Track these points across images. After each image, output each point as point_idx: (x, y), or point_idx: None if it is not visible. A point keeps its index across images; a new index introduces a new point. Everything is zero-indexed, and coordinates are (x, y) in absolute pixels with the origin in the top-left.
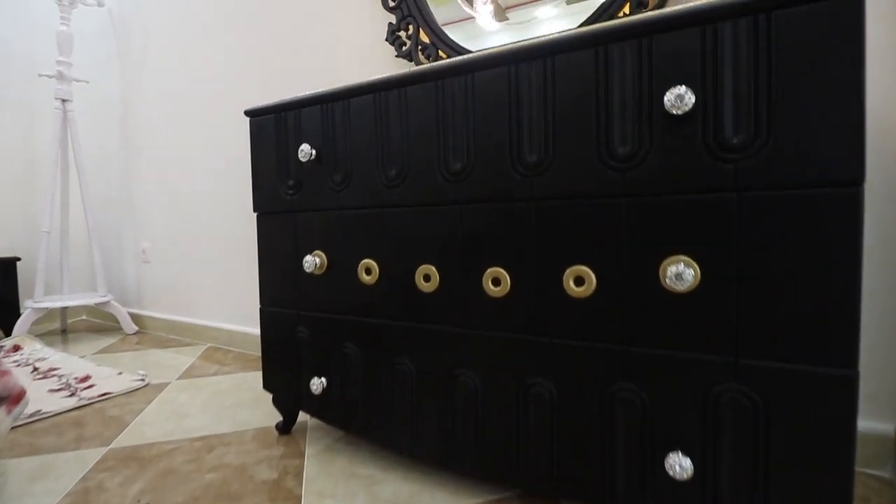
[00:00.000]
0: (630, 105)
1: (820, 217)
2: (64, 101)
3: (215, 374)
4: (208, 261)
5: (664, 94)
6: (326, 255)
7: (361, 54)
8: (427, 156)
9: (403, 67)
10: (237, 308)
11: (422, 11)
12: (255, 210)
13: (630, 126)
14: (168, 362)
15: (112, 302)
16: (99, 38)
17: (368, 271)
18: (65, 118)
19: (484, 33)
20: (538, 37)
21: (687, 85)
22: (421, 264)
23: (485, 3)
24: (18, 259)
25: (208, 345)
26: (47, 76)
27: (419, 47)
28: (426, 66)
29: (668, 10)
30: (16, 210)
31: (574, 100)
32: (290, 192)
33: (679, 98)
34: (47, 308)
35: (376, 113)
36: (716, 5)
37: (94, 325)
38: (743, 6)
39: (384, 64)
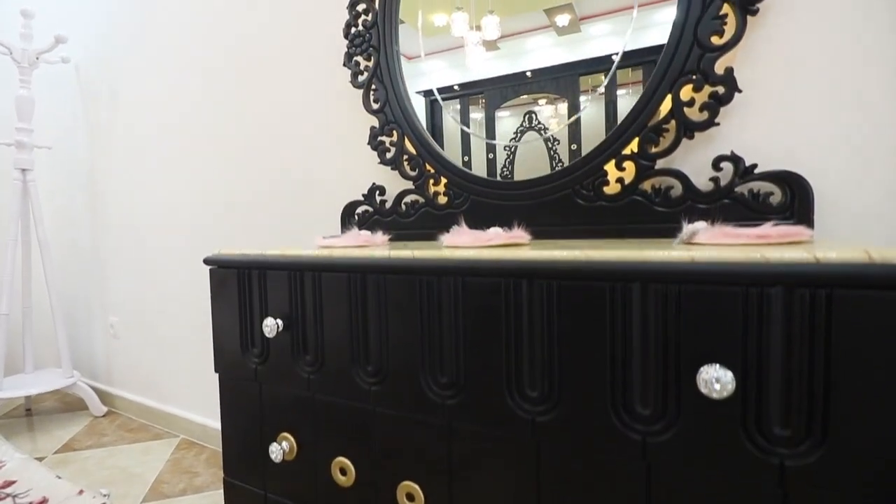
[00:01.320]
0: (653, 359)
1: None
2: (24, 170)
3: (184, 491)
4: (180, 342)
5: (696, 361)
6: (296, 438)
7: (344, 151)
8: (409, 358)
9: (388, 175)
10: (211, 398)
11: (407, 119)
12: (216, 370)
13: (653, 385)
14: (135, 468)
15: (79, 383)
16: (63, 98)
17: (344, 472)
18: (25, 189)
19: (474, 65)
20: (539, 258)
21: (723, 362)
22: (404, 480)
23: (476, 44)
24: None
25: (181, 437)
26: (5, 144)
27: (405, 157)
28: (407, 255)
29: (702, 257)
30: None
31: (583, 335)
32: (256, 360)
33: (716, 381)
34: (8, 398)
35: (351, 295)
36: (766, 268)
37: (62, 402)
38: (801, 277)
39: (367, 168)
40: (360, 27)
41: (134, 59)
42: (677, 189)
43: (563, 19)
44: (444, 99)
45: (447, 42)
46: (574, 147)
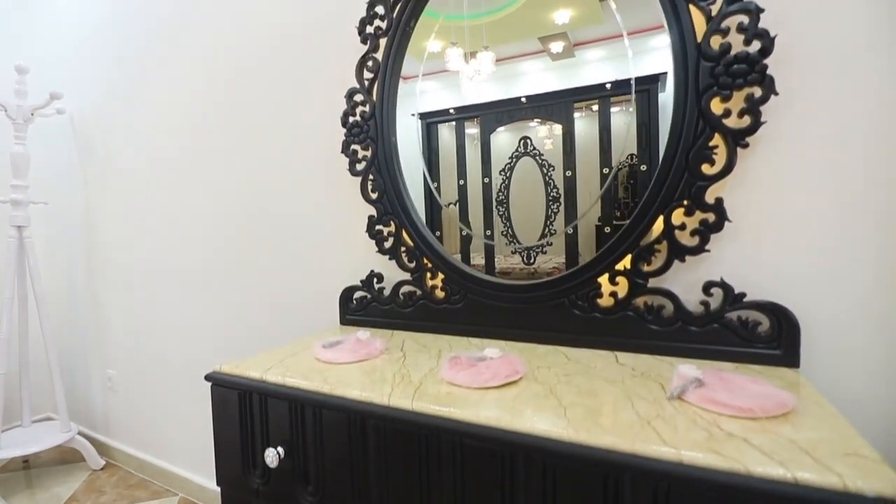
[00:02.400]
0: None
1: None
2: (20, 227)
3: None
4: (180, 397)
5: None
6: None
7: (344, 235)
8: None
9: (386, 262)
10: (210, 455)
11: (405, 211)
12: (218, 483)
13: None
14: None
15: (76, 437)
16: (58, 149)
17: None
18: (21, 246)
19: (469, 95)
20: (532, 435)
21: None
22: None
23: (471, 78)
24: None
25: (180, 495)
26: (0, 202)
27: (402, 248)
28: (406, 407)
29: (689, 458)
30: None
31: None
32: (258, 480)
33: None
34: (6, 459)
35: (351, 434)
36: (747, 481)
37: (59, 453)
38: None
39: (366, 254)
40: (359, 117)
41: (129, 116)
42: (669, 308)
43: (557, 46)
44: (439, 122)
45: (442, 64)
46: (569, 174)
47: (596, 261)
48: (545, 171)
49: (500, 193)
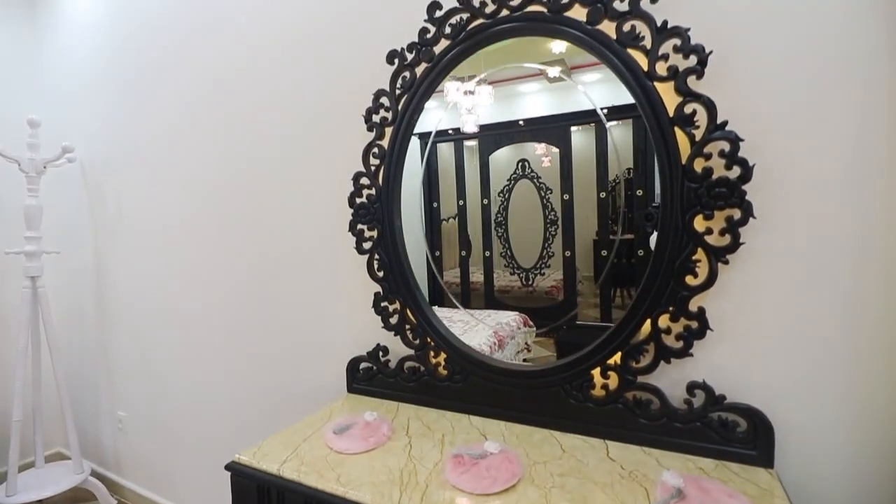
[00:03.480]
0: None
1: None
2: (34, 277)
3: None
4: (191, 439)
5: None
6: None
7: (352, 308)
8: None
9: (390, 338)
10: (220, 496)
11: (410, 291)
12: None
13: None
14: None
15: (89, 479)
16: (68, 196)
17: None
18: (34, 296)
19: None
20: None
21: None
22: None
23: (469, 112)
24: None
25: None
26: (15, 253)
27: (407, 326)
28: None
29: None
30: None
31: None
32: None
33: None
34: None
35: None
36: None
37: (73, 492)
38: None
39: (373, 326)
40: (365, 199)
41: (138, 169)
42: (656, 404)
43: (554, 70)
44: (438, 141)
45: (441, 94)
46: (566, 197)
47: (589, 355)
48: (543, 193)
49: (499, 215)
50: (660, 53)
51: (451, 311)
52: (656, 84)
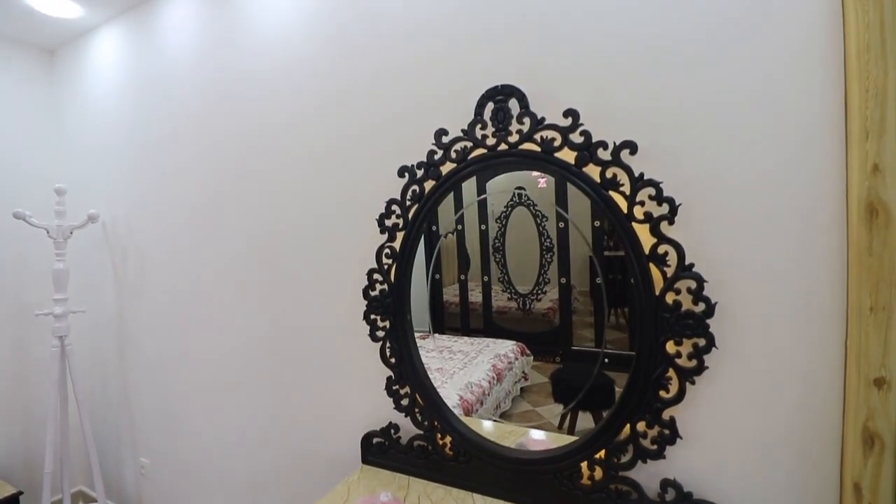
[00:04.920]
0: None
1: None
2: (62, 337)
3: None
4: (213, 488)
5: None
6: None
7: (367, 387)
8: None
9: (402, 418)
10: None
11: (419, 380)
12: None
13: None
14: None
15: None
16: (91, 252)
17: None
18: (63, 354)
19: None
20: None
21: None
22: None
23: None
24: (21, 493)
25: None
26: (44, 315)
27: (416, 409)
28: None
29: None
30: (15, 443)
31: None
32: None
33: None
34: None
35: None
36: None
37: None
38: None
39: (385, 405)
40: (377, 293)
41: (158, 231)
42: (635, 496)
43: None
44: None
45: None
46: (561, 225)
47: (578, 450)
48: (538, 220)
49: (497, 241)
50: (637, 199)
51: (451, 339)
52: (634, 224)
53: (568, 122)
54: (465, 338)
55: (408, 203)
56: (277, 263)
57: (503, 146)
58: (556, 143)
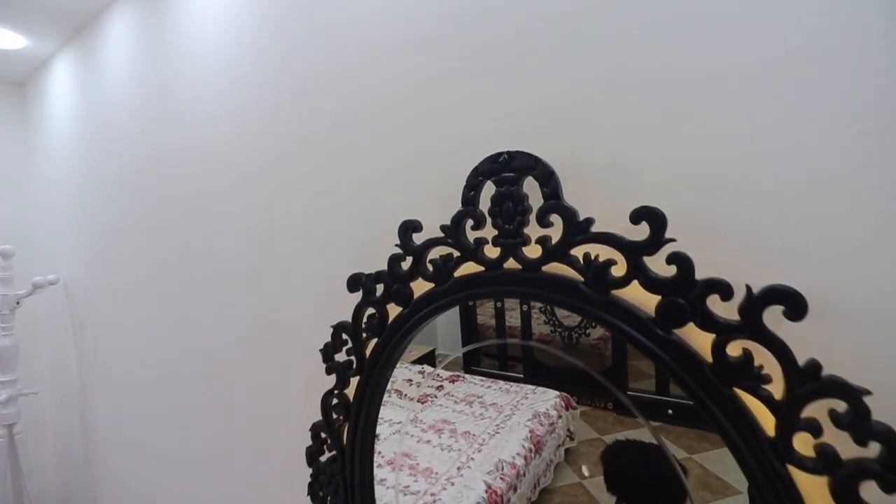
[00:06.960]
0: None
1: None
2: (11, 425)
3: None
4: None
5: None
6: None
7: None
8: None
9: None
10: None
11: None
12: None
13: None
14: None
15: None
16: (53, 325)
17: None
18: (11, 445)
19: None
20: None
21: None
22: None
23: None
24: None
25: None
26: None
27: None
28: None
29: None
30: None
31: None
32: None
33: None
34: None
35: None
36: None
37: None
38: None
39: None
40: (326, 460)
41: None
42: None
43: None
44: None
45: None
46: None
47: None
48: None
49: None
50: (801, 419)
51: (484, 383)
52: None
53: (642, 231)
54: (501, 382)
55: (363, 334)
56: (217, 378)
57: (511, 262)
58: (617, 274)
